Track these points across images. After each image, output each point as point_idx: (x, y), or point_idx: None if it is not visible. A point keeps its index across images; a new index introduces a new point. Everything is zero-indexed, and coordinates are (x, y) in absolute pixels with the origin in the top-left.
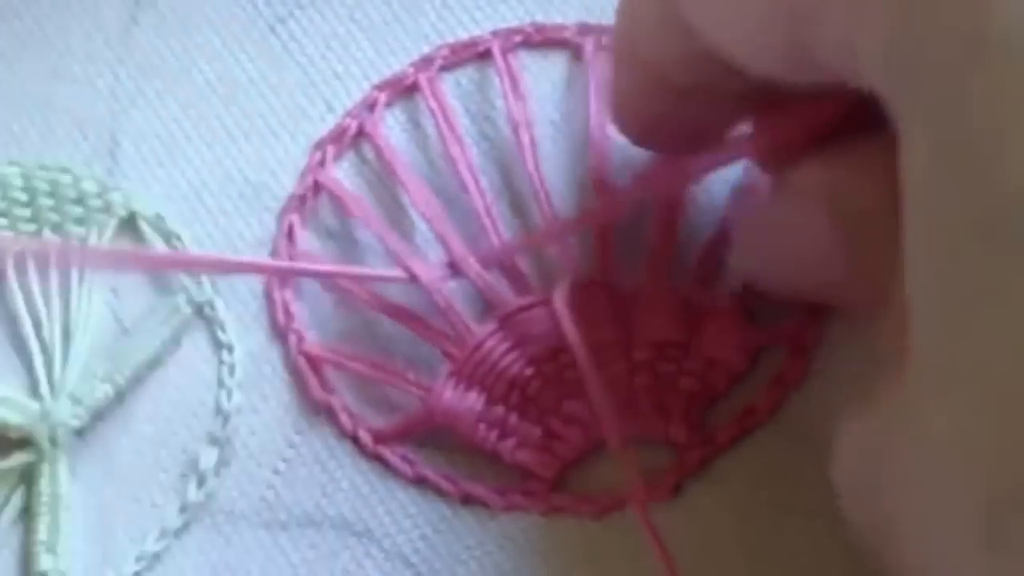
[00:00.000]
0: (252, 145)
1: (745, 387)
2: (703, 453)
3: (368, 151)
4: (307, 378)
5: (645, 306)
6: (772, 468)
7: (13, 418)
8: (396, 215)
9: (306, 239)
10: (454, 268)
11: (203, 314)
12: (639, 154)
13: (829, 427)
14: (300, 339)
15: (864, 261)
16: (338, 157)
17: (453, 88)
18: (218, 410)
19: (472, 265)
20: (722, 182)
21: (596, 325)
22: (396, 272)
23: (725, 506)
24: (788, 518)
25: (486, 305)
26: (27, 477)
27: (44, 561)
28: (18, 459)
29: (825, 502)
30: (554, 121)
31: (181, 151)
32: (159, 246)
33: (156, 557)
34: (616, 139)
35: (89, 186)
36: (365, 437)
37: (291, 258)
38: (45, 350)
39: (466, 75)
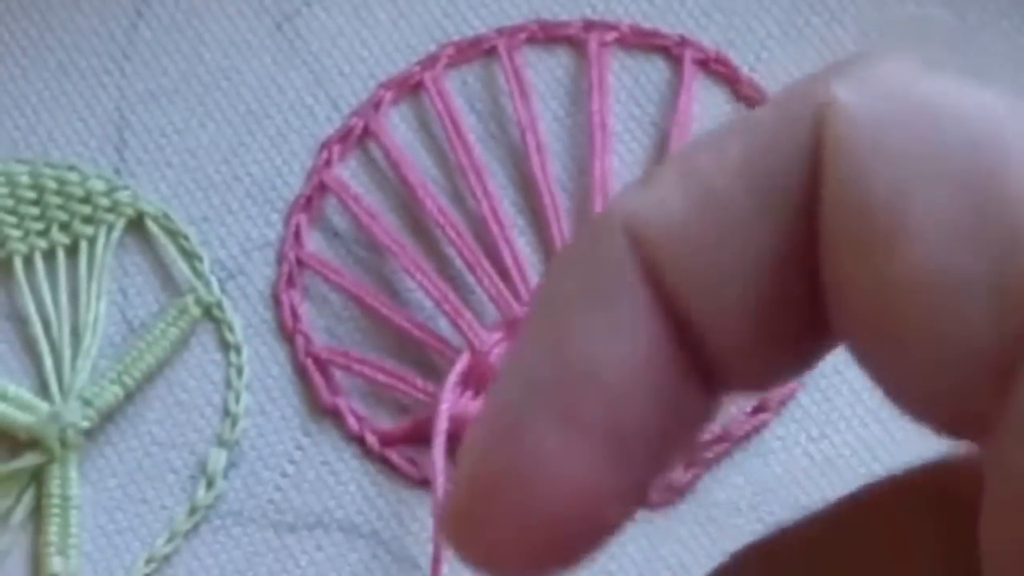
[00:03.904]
0: (259, 144)
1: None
2: (716, 450)
3: (374, 150)
4: (315, 380)
5: None
6: (783, 466)
7: (23, 419)
8: (402, 216)
9: (313, 239)
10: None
11: (211, 315)
12: (640, 149)
13: (836, 421)
14: (308, 341)
15: None
16: (344, 157)
17: (459, 86)
18: (226, 412)
19: (484, 269)
20: None
21: None
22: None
23: (737, 505)
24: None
25: (495, 310)
26: (37, 478)
27: (55, 563)
28: (28, 460)
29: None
30: (559, 118)
31: (188, 150)
32: (166, 245)
33: (166, 559)
34: (617, 135)
35: (96, 184)
36: (372, 439)
37: (298, 258)
38: (55, 351)
39: (472, 73)
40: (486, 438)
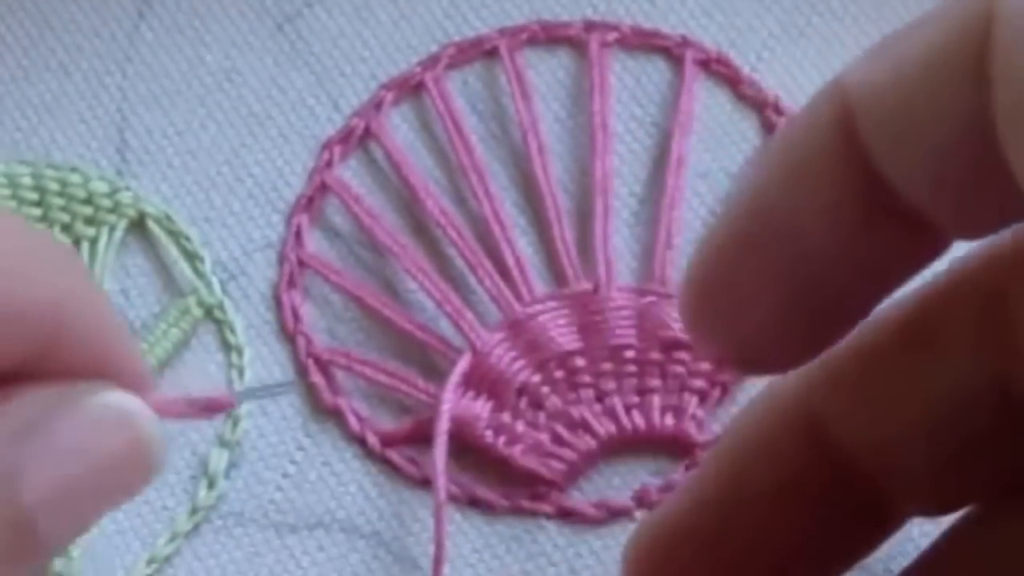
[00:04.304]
0: (260, 145)
1: (755, 382)
2: None
3: (375, 151)
4: (316, 381)
5: (651, 307)
6: None
7: None
8: (404, 216)
9: (314, 240)
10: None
11: (213, 316)
12: (641, 149)
13: None
14: (309, 342)
15: None
16: (345, 157)
17: (460, 87)
18: (227, 412)
19: (485, 270)
20: (725, 176)
21: (605, 330)
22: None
23: None
24: None
25: (496, 311)
26: None
27: (56, 564)
28: None
29: None
30: (560, 118)
31: (190, 151)
32: (168, 246)
33: (167, 559)
34: (619, 136)
35: (98, 186)
36: (373, 440)
37: (299, 259)
38: None
39: (473, 73)
40: (698, 259)
